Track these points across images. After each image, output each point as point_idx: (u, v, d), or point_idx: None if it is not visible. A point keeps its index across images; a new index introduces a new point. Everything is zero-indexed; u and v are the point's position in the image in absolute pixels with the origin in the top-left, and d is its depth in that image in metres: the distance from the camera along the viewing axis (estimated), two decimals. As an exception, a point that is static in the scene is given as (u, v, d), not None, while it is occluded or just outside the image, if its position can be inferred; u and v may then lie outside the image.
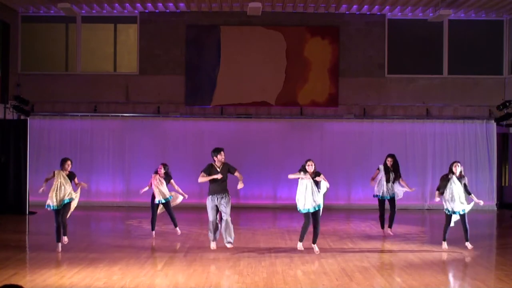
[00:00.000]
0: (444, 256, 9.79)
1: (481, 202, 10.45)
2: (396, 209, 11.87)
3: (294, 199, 9.91)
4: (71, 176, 10.11)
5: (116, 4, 17.02)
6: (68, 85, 17.69)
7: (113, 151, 17.59)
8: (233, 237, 10.00)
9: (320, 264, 9.00)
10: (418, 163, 17.57)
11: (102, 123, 17.63)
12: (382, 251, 10.23)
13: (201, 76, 17.64)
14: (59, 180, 9.95)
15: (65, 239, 10.08)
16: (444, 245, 10.36)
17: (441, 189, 10.33)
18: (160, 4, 17.16)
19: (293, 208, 16.92)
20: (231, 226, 9.95)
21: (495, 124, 17.55)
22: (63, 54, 18.13)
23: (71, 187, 10.05)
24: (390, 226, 11.93)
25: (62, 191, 9.91)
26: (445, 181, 10.30)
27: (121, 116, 17.65)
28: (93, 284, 7.57)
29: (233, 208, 10.62)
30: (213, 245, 10.01)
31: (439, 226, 14.52)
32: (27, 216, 14.88)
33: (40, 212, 15.42)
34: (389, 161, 11.84)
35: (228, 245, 9.90)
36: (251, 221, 14.16)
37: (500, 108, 17.18)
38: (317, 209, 9.77)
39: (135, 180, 17.40)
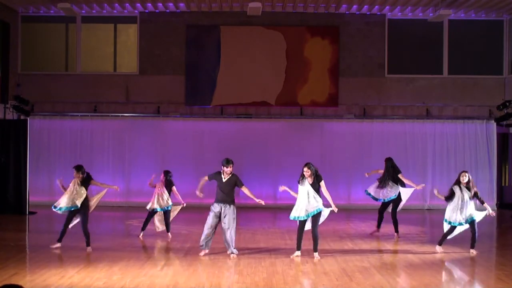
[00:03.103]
0: (444, 256, 9.78)
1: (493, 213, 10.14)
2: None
3: (294, 199, 9.83)
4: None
5: (116, 4, 17.02)
6: (68, 85, 17.69)
7: (113, 151, 17.59)
8: (235, 250, 9.53)
9: (320, 264, 8.99)
10: (418, 163, 17.56)
11: (102, 123, 17.63)
12: (382, 251, 10.23)
13: (201, 76, 17.63)
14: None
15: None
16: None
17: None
18: (160, 4, 17.16)
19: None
20: (234, 237, 9.48)
21: (495, 124, 17.55)
22: (63, 54, 18.13)
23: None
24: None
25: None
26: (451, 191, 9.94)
27: (121, 116, 17.65)
28: (93, 284, 7.57)
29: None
30: (202, 253, 9.52)
31: (439, 226, 14.55)
32: (27, 216, 14.87)
33: (40, 212, 15.42)
34: None
35: (232, 256, 9.45)
36: (251, 221, 14.15)
37: (500, 108, 17.17)
38: (306, 217, 9.39)
39: (135, 180, 17.42)
